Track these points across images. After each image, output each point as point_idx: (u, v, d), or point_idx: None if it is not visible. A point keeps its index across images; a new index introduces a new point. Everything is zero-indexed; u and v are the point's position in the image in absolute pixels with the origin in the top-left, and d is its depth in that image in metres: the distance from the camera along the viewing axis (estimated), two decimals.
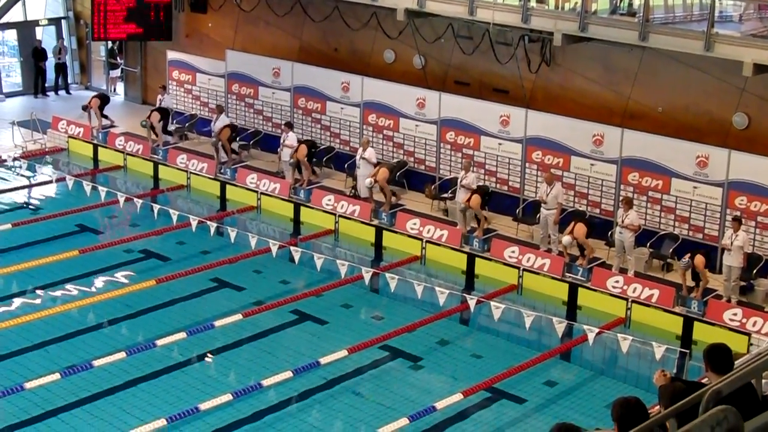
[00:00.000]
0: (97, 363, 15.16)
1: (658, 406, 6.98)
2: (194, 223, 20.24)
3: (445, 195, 21.66)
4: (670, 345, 16.45)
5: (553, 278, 18.68)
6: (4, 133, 26.45)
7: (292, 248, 19.39)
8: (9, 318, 16.80)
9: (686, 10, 21.10)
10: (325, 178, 23.41)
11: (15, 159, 24.87)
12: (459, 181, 20.93)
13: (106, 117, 26.47)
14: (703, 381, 7.48)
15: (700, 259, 17.42)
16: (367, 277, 18.35)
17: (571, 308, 18.42)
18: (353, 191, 22.25)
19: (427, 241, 20.15)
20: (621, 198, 19.40)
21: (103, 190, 22.09)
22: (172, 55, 27.19)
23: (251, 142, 25.18)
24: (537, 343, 17.40)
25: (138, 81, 29.72)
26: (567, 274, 18.66)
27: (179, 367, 15.77)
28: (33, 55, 30.01)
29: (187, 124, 26.47)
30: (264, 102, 25.35)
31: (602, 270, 18.50)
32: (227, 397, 14.39)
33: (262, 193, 22.58)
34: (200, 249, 20.40)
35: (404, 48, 23.60)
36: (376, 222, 21.02)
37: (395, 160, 22.87)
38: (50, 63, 30.47)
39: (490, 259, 19.45)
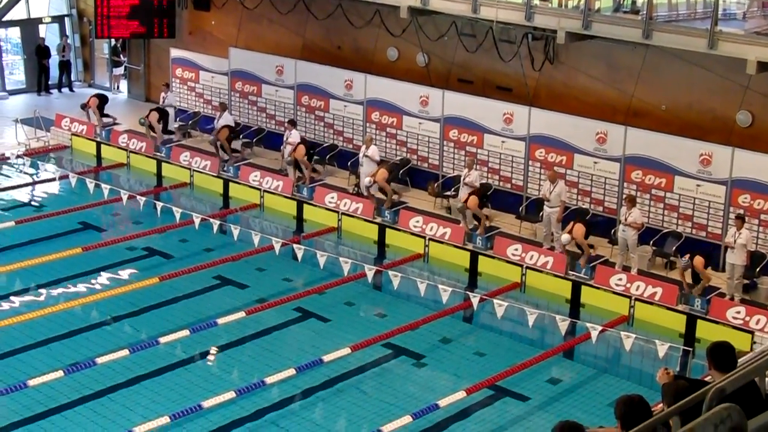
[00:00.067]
0: (100, 360, 15.18)
1: (661, 404, 6.98)
2: (197, 221, 20.25)
3: (448, 193, 21.65)
4: (674, 343, 16.42)
5: (556, 276, 18.67)
6: (7, 130, 26.49)
7: (295, 246, 19.39)
8: (12, 315, 16.82)
9: (690, 8, 21.06)
10: (328, 175, 23.41)
11: (18, 156, 24.89)
12: (462, 179, 20.93)
13: (107, 115, 26.47)
14: (707, 379, 7.48)
15: (699, 260, 17.39)
16: (370, 274, 18.35)
17: (574, 306, 18.40)
18: (356, 189, 22.24)
19: (430, 239, 20.15)
20: (624, 196, 19.38)
21: (106, 188, 22.11)
22: (175, 52, 27.19)
23: (254, 140, 25.19)
24: (540, 341, 17.40)
25: (141, 79, 29.75)
26: (570, 272, 18.65)
27: (182, 365, 15.78)
28: (36, 53, 30.02)
29: (190, 122, 26.48)
30: (267, 100, 25.35)
31: (605, 268, 18.49)
32: (230, 395, 14.39)
33: (265, 191, 22.58)
34: (203, 246, 20.41)
35: (407, 46, 23.59)
36: (379, 219, 21.02)
37: (398, 158, 22.88)
38: (53, 60, 30.49)
39: (493, 257, 19.45)
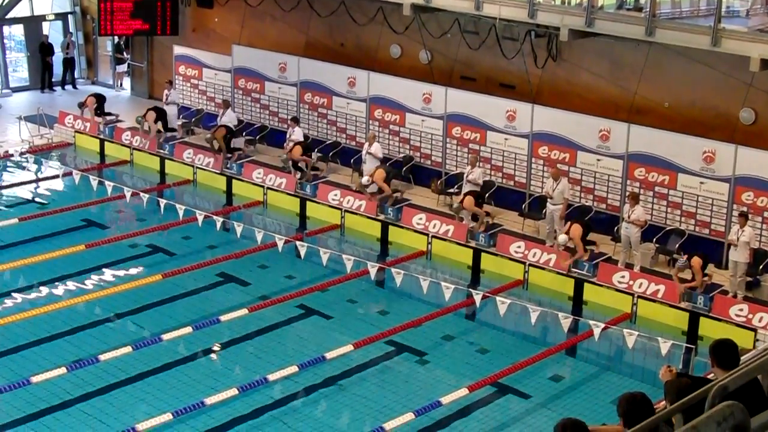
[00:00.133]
0: (103, 357, 15.20)
1: (664, 402, 6.98)
2: (200, 218, 20.26)
3: (451, 190, 21.65)
4: (676, 340, 16.42)
5: (558, 273, 18.67)
6: (11, 127, 26.51)
7: (297, 243, 19.39)
8: (16, 312, 16.85)
9: (693, 5, 21.04)
10: (331, 173, 23.41)
11: (22, 154, 24.90)
12: (465, 176, 20.94)
13: (109, 113, 26.43)
14: (709, 376, 7.47)
15: (697, 261, 17.36)
16: (372, 272, 18.35)
17: (577, 303, 18.40)
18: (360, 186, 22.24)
19: (432, 236, 20.15)
20: (627, 193, 19.37)
21: (109, 185, 22.13)
22: (178, 50, 27.20)
23: (257, 137, 25.20)
24: (542, 339, 17.41)
25: (144, 76, 29.77)
26: (573, 270, 18.64)
27: (185, 362, 15.80)
28: (40, 50, 30.03)
29: (193, 119, 26.49)
30: (270, 97, 25.35)
31: (608, 265, 18.49)
32: (233, 392, 14.40)
33: (268, 188, 22.59)
34: (206, 244, 20.43)
35: (410, 43, 23.59)
36: (382, 217, 21.02)
37: (401, 155, 22.88)
38: (57, 58, 30.50)
39: (495, 255, 19.45)
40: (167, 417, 13.66)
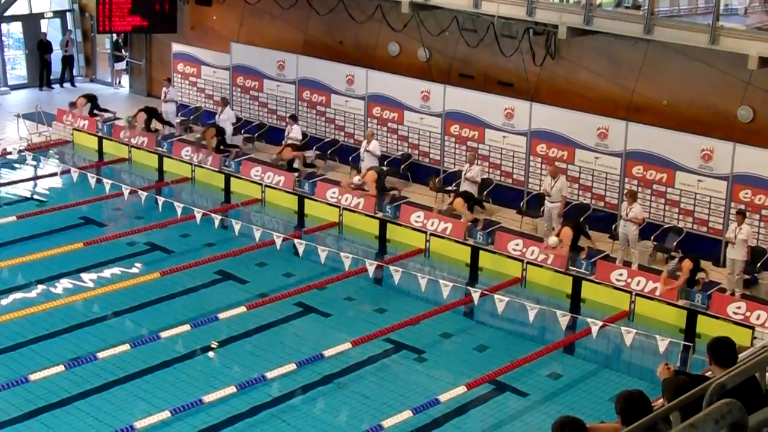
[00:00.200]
0: (101, 355, 15.19)
1: (661, 400, 6.98)
2: (199, 216, 20.25)
3: (449, 188, 21.64)
4: (674, 338, 16.43)
5: (556, 271, 18.68)
6: (9, 125, 26.49)
7: (296, 241, 19.40)
8: (14, 310, 16.84)
9: (691, 3, 21.03)
10: (329, 170, 23.40)
11: (20, 151, 24.87)
12: (463, 173, 20.94)
13: (106, 110, 26.36)
14: (707, 374, 7.49)
15: (687, 264, 17.35)
16: (371, 269, 18.36)
17: (575, 301, 18.41)
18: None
19: (431, 234, 20.15)
20: (625, 191, 19.38)
21: (107, 183, 22.12)
22: (177, 47, 27.19)
23: (256, 135, 25.19)
24: (540, 336, 17.42)
25: (143, 73, 29.75)
26: (571, 267, 18.65)
27: (183, 360, 15.80)
28: (38, 48, 30.01)
29: (192, 117, 26.47)
30: (269, 95, 25.35)
31: (606, 263, 18.49)
32: (231, 390, 14.41)
33: (266, 186, 22.58)
34: (204, 241, 20.42)
35: (409, 41, 23.58)
36: (380, 215, 21.01)
37: (399, 153, 22.88)
38: (55, 55, 30.47)
39: (494, 252, 19.45)
40: (165, 415, 13.67)
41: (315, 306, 17.79)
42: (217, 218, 20.54)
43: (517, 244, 19.23)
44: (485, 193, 21.17)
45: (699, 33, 18.26)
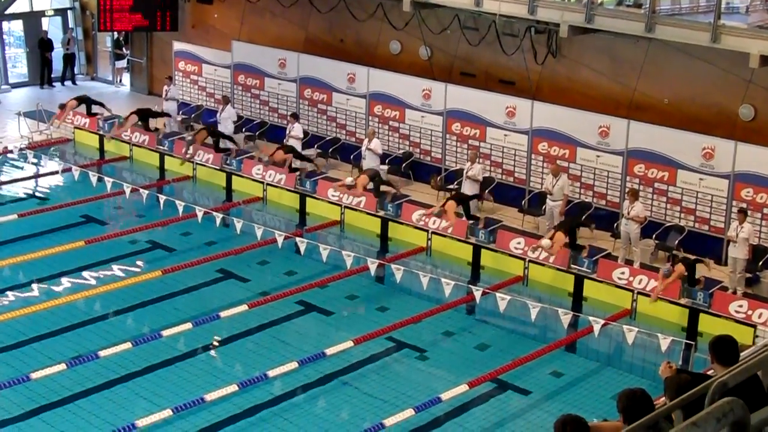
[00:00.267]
0: (103, 354, 15.18)
1: (663, 398, 6.97)
2: (200, 214, 20.25)
3: (451, 186, 21.63)
4: (676, 337, 16.43)
5: (558, 270, 18.67)
6: (10, 123, 26.49)
7: (297, 239, 19.40)
8: (15, 308, 16.83)
9: (692, 2, 21.01)
10: (331, 169, 23.40)
11: (21, 150, 24.87)
12: (465, 172, 20.93)
13: (101, 104, 26.26)
14: (709, 373, 7.48)
15: (680, 268, 17.33)
16: (372, 268, 18.35)
17: (577, 299, 18.40)
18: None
19: (432, 233, 20.15)
20: (627, 189, 19.37)
21: (109, 181, 22.13)
22: (178, 45, 27.19)
23: (257, 133, 25.19)
24: (542, 335, 17.41)
25: (144, 72, 29.75)
26: (572, 266, 18.64)
27: (185, 358, 15.80)
28: (39, 46, 30.01)
29: (193, 115, 26.47)
30: (270, 93, 25.35)
31: (608, 261, 18.48)
32: (233, 388, 14.41)
33: (268, 184, 22.58)
34: (206, 240, 20.41)
35: (410, 39, 23.57)
36: (382, 213, 21.01)
37: (401, 151, 22.88)
38: (56, 54, 30.47)
39: (495, 251, 19.45)
40: (167, 413, 13.66)
41: (317, 304, 17.78)
42: (218, 216, 20.53)
43: (519, 243, 19.22)
44: (487, 191, 21.14)
45: (700, 31, 18.26)
